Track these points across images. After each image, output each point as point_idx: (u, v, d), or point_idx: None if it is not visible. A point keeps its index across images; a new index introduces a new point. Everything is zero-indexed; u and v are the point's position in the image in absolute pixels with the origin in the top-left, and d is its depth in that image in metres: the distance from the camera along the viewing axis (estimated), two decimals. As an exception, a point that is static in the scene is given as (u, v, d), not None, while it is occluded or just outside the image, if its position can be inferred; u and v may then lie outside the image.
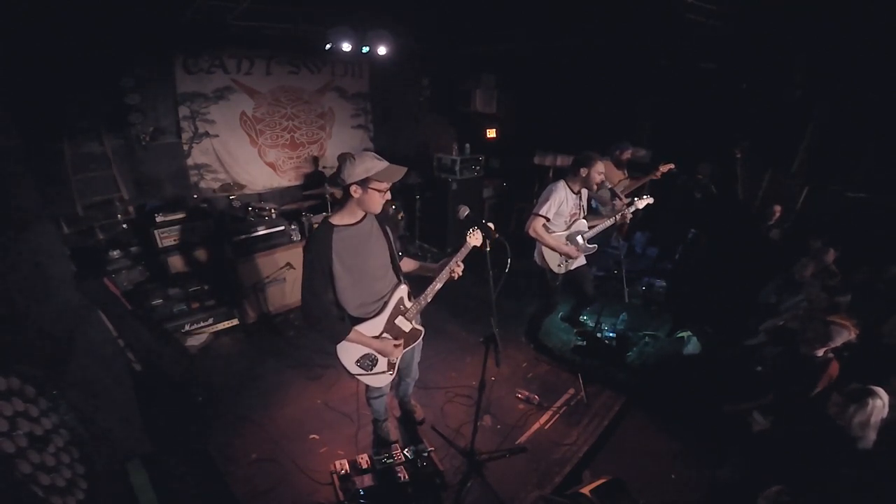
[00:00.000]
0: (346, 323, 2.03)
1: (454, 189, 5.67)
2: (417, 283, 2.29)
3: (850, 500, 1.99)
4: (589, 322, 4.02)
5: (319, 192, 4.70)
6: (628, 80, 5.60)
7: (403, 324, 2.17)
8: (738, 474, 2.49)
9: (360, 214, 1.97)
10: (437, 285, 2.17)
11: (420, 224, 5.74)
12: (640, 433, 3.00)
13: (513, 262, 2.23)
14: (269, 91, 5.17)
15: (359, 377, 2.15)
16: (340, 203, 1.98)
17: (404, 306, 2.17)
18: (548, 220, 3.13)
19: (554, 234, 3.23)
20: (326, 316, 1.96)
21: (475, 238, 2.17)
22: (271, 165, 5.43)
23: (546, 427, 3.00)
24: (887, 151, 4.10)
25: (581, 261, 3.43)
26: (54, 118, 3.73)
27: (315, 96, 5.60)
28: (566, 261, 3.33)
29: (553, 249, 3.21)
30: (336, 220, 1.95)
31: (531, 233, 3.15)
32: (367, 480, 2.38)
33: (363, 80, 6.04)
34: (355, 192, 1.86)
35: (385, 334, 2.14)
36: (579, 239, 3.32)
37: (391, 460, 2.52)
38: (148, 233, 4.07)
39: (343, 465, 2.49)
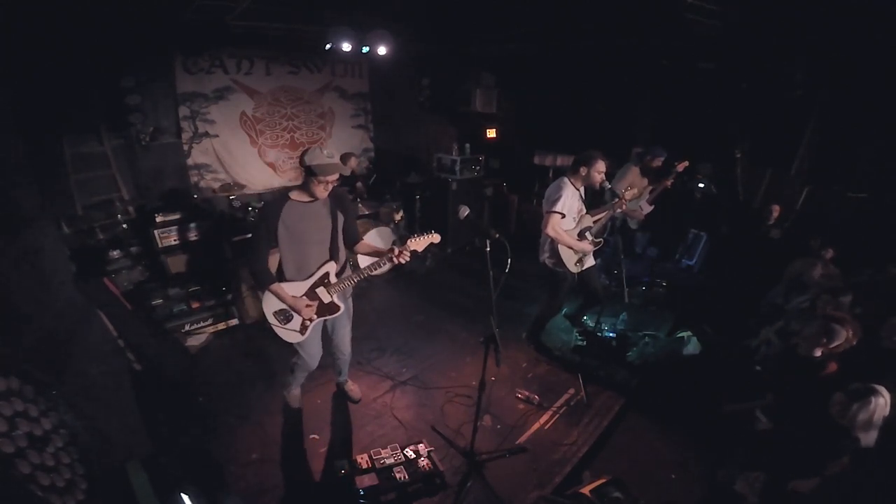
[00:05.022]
0: (273, 277, 2.38)
1: (454, 189, 5.67)
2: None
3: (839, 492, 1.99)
4: (589, 322, 4.02)
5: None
6: (628, 79, 5.60)
7: (323, 294, 2.45)
8: (739, 474, 2.49)
9: (312, 197, 2.31)
10: (367, 272, 2.47)
11: (420, 224, 5.74)
12: (640, 433, 3.00)
13: (513, 263, 2.24)
14: (269, 91, 5.17)
15: (273, 327, 2.49)
16: (301, 183, 2.35)
17: (329, 279, 2.44)
18: (563, 216, 3.08)
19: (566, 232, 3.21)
20: (262, 267, 2.33)
21: (417, 244, 2.40)
22: (271, 165, 5.43)
23: (546, 427, 3.00)
24: (887, 151, 4.10)
25: (591, 260, 3.43)
26: (54, 118, 3.73)
27: (315, 96, 5.60)
28: (582, 258, 3.32)
29: (570, 247, 3.20)
30: (293, 195, 2.33)
31: (550, 232, 3.09)
32: (367, 480, 2.38)
33: (363, 80, 6.03)
34: (301, 176, 2.28)
35: (304, 297, 2.42)
36: (588, 235, 3.32)
37: (391, 460, 2.52)
38: (148, 233, 4.06)
39: (343, 465, 2.49)
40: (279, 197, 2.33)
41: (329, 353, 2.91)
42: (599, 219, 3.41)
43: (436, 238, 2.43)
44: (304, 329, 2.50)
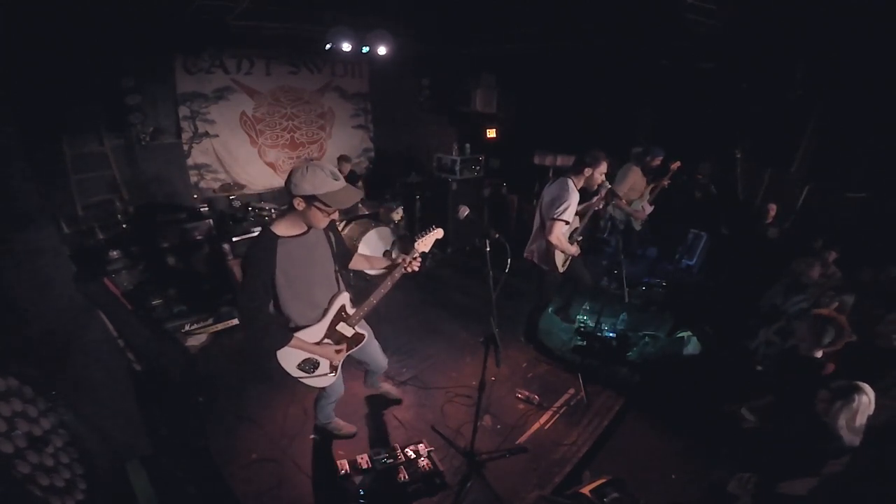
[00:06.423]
0: (287, 331, 1.99)
1: (454, 189, 5.67)
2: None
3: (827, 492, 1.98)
4: (589, 322, 4.02)
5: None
6: (628, 79, 5.61)
7: (346, 329, 2.16)
8: (730, 472, 2.49)
9: (305, 226, 1.88)
10: (382, 291, 2.15)
11: (420, 224, 5.74)
12: (641, 433, 3.00)
13: (513, 262, 2.24)
14: (269, 91, 5.18)
15: (301, 380, 2.13)
16: (283, 211, 1.89)
17: (346, 313, 2.15)
18: (568, 223, 3.02)
19: None
20: (268, 325, 1.93)
21: (424, 245, 2.21)
22: (271, 165, 5.44)
23: (546, 427, 2.99)
24: (887, 151, 4.10)
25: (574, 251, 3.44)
26: (54, 118, 3.73)
27: (315, 96, 5.61)
28: (568, 258, 3.34)
29: (563, 252, 3.21)
30: (280, 230, 1.84)
31: (554, 241, 3.02)
32: (367, 480, 2.38)
33: (363, 80, 6.04)
34: (298, 205, 1.76)
35: (326, 340, 2.11)
36: (575, 236, 3.34)
37: (391, 460, 2.52)
38: (148, 233, 4.06)
39: (343, 465, 2.49)
40: (265, 240, 1.82)
41: (359, 368, 2.78)
42: (581, 214, 3.38)
43: (439, 233, 2.25)
44: (334, 369, 2.21)
